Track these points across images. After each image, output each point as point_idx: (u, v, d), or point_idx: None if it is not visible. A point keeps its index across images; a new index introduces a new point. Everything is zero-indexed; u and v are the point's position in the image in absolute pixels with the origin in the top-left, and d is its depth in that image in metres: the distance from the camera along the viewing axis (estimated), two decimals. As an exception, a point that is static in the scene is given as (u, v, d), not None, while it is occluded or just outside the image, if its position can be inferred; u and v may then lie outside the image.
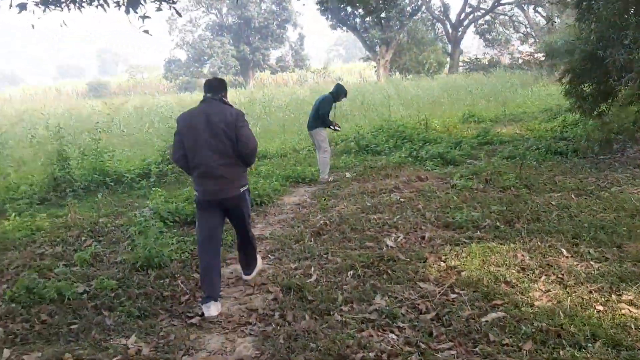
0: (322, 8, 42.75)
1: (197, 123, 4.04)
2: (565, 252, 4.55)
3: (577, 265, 4.31)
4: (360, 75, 52.72)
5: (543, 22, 43.02)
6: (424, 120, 12.90)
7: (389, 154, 10.87)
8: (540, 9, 41.39)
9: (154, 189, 7.76)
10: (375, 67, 42.26)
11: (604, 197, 6.21)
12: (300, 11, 62.11)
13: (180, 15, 9.09)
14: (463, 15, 45.67)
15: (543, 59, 38.63)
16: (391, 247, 5.16)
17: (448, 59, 44.02)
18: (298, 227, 6.14)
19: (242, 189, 4.25)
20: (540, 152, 9.58)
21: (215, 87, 4.26)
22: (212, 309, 4.02)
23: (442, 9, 45.85)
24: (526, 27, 46.85)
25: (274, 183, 8.18)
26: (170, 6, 8.38)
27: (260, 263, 4.86)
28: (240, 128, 4.06)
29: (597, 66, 8.34)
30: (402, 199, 6.83)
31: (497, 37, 49.35)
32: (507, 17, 47.71)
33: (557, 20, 38.39)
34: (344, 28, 44.22)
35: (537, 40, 45.52)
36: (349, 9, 42.42)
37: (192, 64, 54.34)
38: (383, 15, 13.04)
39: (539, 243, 4.79)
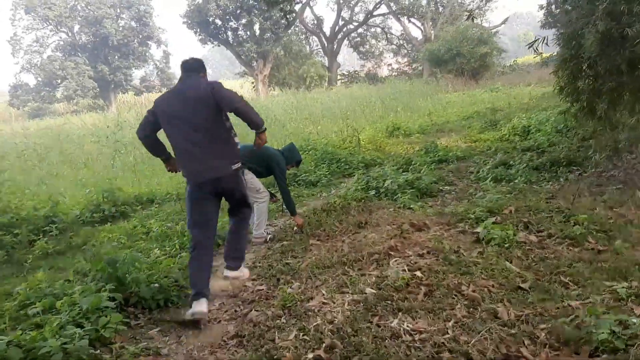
0: (189, 22, 39.29)
1: (173, 100, 3.81)
2: None
3: None
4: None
5: (416, 33, 43.16)
6: (355, 136, 10.22)
7: (328, 184, 8.02)
8: (414, 20, 41.21)
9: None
10: (253, 82, 39.32)
11: None
12: (164, 27, 57.63)
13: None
14: (337, 28, 44.51)
15: (421, 68, 38.60)
16: None
17: (327, 73, 42.39)
18: (263, 370, 3.00)
19: (234, 167, 3.89)
20: (523, 169, 7.34)
21: (193, 67, 3.95)
22: (203, 304, 3.67)
23: (316, 22, 44.36)
24: (399, 39, 46.84)
25: (181, 256, 4.93)
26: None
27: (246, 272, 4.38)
28: (217, 92, 3.70)
29: (617, 51, 6.15)
30: (420, 275, 3.95)
31: (370, 50, 48.98)
32: (379, 30, 47.45)
33: (432, 31, 38.39)
34: (215, 42, 40.91)
35: (410, 51, 45.70)
36: (219, 21, 39.35)
37: (42, 89, 47.59)
38: (289, 8, 10.17)
39: None
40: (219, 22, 39.47)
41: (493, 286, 3.64)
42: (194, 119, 3.70)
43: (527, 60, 38.78)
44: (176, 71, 62.04)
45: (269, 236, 5.51)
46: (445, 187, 6.99)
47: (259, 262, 4.85)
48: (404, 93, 20.49)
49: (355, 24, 45.64)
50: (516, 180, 6.72)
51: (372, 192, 6.58)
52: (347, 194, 6.64)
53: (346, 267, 4.31)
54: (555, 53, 7.82)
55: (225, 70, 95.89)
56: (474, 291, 3.56)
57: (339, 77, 43.81)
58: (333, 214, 5.88)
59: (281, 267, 4.60)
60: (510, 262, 4.00)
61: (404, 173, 7.23)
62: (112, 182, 8.32)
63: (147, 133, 3.86)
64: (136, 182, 9.08)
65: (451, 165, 8.44)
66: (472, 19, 9.44)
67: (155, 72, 54.59)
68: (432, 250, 4.41)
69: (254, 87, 39.06)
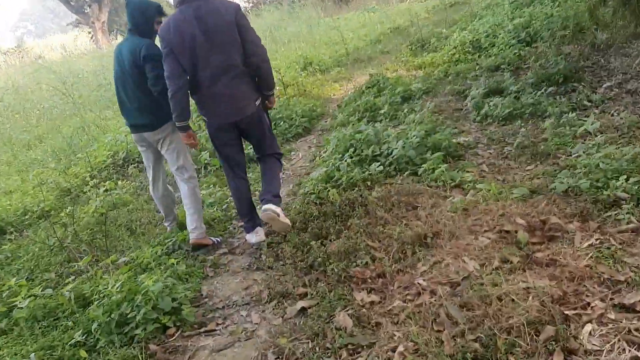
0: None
1: (189, 30, 3.01)
2: None
3: None
4: (64, 48, 42.40)
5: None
6: (278, 80, 7.59)
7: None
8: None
9: None
10: (90, 32, 33.67)
11: None
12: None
13: None
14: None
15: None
16: None
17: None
18: None
19: (258, 102, 3.33)
20: (538, 95, 5.41)
21: None
22: (260, 234, 3.47)
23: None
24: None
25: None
26: None
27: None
28: (244, 26, 3.09)
29: None
30: None
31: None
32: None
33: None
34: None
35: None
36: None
37: None
38: None
39: None
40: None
41: None
42: (217, 53, 3.04)
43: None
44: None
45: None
46: (461, 139, 4.76)
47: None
48: (282, 22, 17.79)
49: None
50: (551, 116, 4.64)
51: (377, 166, 4.14)
52: (337, 174, 4.13)
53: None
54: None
55: (50, 24, 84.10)
56: None
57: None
58: (351, 222, 3.37)
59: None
60: None
61: (395, 127, 4.86)
62: None
63: (184, 81, 3.11)
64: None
65: (429, 104, 6.21)
66: None
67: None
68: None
69: (91, 37, 33.47)
